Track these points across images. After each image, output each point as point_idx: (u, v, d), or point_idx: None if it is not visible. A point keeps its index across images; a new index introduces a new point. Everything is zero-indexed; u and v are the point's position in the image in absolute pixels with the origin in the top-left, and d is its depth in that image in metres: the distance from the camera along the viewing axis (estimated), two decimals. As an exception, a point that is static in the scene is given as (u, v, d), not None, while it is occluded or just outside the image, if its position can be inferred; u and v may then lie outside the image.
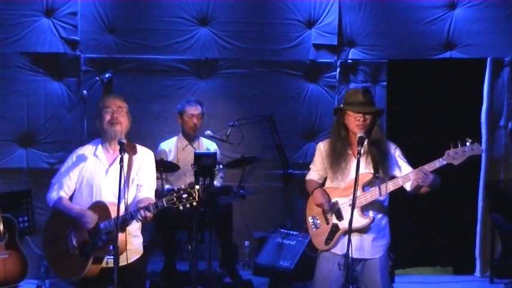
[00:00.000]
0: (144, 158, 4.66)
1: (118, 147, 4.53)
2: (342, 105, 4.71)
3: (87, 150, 4.68)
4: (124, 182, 4.46)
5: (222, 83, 7.18)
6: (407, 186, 4.60)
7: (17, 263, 5.79)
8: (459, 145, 4.42)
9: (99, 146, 4.66)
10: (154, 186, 4.70)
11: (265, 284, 6.47)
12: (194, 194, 4.30)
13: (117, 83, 7.00)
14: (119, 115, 4.58)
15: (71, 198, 4.67)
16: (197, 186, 4.34)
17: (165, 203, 4.33)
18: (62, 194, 4.62)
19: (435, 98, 7.08)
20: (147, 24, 7.01)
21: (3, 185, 6.81)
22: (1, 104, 6.92)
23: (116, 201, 4.35)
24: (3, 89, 6.92)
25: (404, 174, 4.57)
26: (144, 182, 4.61)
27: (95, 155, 4.64)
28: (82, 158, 4.64)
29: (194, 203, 4.31)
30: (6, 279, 5.71)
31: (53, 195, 4.62)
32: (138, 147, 4.70)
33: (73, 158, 4.67)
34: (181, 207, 4.31)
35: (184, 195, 4.31)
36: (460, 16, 6.99)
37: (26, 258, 5.86)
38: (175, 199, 4.31)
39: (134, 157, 4.62)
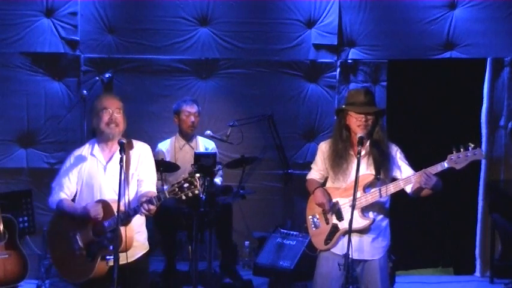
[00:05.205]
0: (141, 153, 4.65)
1: (114, 144, 4.57)
2: (343, 106, 4.71)
3: (83, 150, 4.69)
4: (124, 179, 4.46)
5: (222, 83, 7.18)
6: (408, 189, 4.60)
7: (17, 263, 5.79)
8: (461, 149, 4.43)
9: (96, 146, 4.66)
10: (155, 180, 4.69)
11: (265, 284, 6.46)
12: (195, 183, 4.28)
13: (117, 83, 7.00)
14: (117, 117, 4.58)
15: (73, 200, 4.66)
16: (197, 174, 4.32)
17: (167, 195, 4.33)
18: (64, 196, 4.62)
19: (435, 98, 7.08)
20: (147, 24, 7.01)
21: (3, 185, 6.81)
22: (1, 104, 6.92)
23: (117, 197, 4.35)
24: (3, 89, 6.92)
25: (406, 176, 4.58)
26: (145, 177, 4.61)
27: (92, 154, 4.65)
28: (80, 159, 4.65)
29: (196, 191, 4.29)
30: (6, 279, 5.71)
31: (55, 198, 4.62)
32: (134, 142, 4.69)
33: (71, 159, 4.67)
34: (183, 197, 4.30)
35: (186, 185, 4.29)
36: (460, 16, 6.98)
37: (26, 258, 5.86)
38: (177, 189, 4.30)
39: (131, 152, 4.62)
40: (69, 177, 4.63)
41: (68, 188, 4.63)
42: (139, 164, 4.61)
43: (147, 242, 4.72)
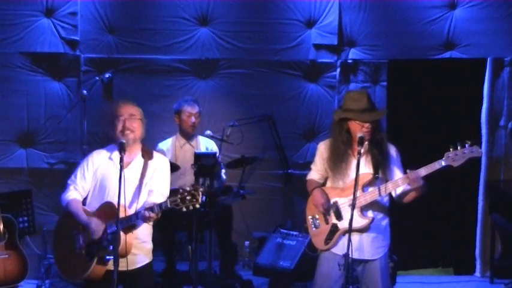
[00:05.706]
0: (158, 165, 4.67)
1: (133, 150, 4.60)
2: (344, 112, 4.62)
3: (102, 153, 4.72)
4: (136, 186, 4.52)
5: (222, 83, 7.18)
6: (394, 192, 4.60)
7: (17, 263, 5.79)
8: (459, 147, 4.43)
9: (115, 151, 4.66)
10: (166, 193, 4.67)
11: (265, 284, 6.46)
12: (197, 196, 4.32)
13: (117, 83, 7.00)
14: (130, 123, 4.58)
15: (85, 199, 4.69)
16: (201, 188, 4.35)
17: (168, 204, 4.35)
18: (76, 195, 4.65)
19: (435, 98, 7.07)
20: (147, 24, 7.01)
21: (3, 185, 6.81)
22: (1, 104, 6.93)
23: (127, 203, 4.40)
24: (3, 89, 6.92)
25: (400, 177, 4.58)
26: (156, 188, 4.61)
27: (110, 158, 4.67)
28: (97, 161, 4.68)
29: (197, 205, 4.33)
30: (6, 279, 5.71)
31: (67, 195, 4.66)
32: (155, 153, 4.74)
33: (89, 160, 4.70)
34: (184, 209, 4.33)
35: (188, 197, 4.31)
36: (460, 16, 6.98)
37: (26, 258, 5.86)
38: (179, 200, 4.32)
39: (150, 162, 4.64)
40: (85, 177, 4.66)
41: (83, 187, 4.67)
42: (154, 175, 4.63)
43: (151, 253, 4.72)
